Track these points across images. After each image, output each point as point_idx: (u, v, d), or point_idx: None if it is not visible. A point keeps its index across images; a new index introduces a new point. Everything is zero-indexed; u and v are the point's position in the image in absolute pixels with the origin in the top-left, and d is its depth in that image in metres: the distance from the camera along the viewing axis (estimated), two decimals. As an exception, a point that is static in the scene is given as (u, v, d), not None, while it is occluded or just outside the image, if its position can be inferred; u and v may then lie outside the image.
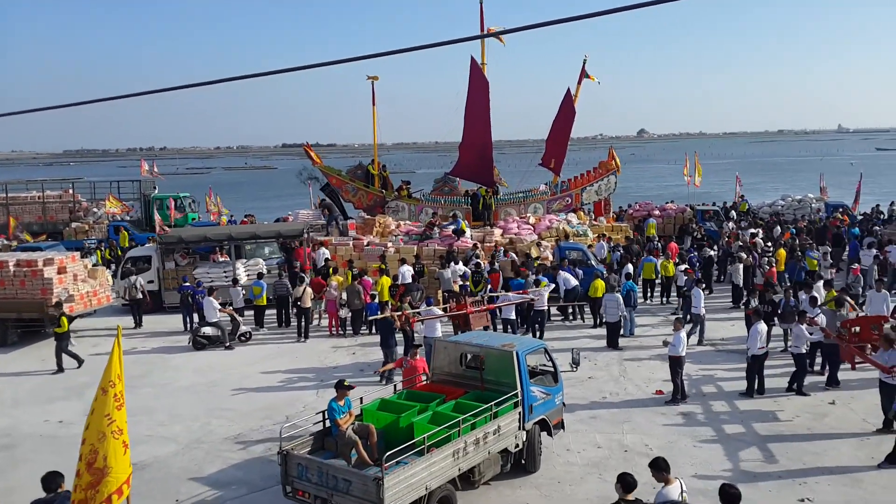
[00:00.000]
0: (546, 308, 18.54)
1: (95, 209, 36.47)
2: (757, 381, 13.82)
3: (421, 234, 25.05)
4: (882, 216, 31.54)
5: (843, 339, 13.65)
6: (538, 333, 17.93)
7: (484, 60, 28.48)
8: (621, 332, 17.79)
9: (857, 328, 13.74)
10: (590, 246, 24.28)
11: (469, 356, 11.32)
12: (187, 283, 20.54)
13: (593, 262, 22.02)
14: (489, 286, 19.96)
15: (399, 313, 15.94)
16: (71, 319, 20.05)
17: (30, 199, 37.07)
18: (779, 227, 29.05)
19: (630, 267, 21.09)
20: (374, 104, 30.05)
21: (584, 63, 30.66)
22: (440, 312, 16.50)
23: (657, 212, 32.17)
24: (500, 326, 18.07)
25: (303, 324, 19.20)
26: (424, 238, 24.49)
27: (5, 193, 37.02)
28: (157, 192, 38.05)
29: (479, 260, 21.94)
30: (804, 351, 13.87)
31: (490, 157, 29.18)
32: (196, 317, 19.67)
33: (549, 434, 11.13)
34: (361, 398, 10.70)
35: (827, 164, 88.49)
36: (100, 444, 7.23)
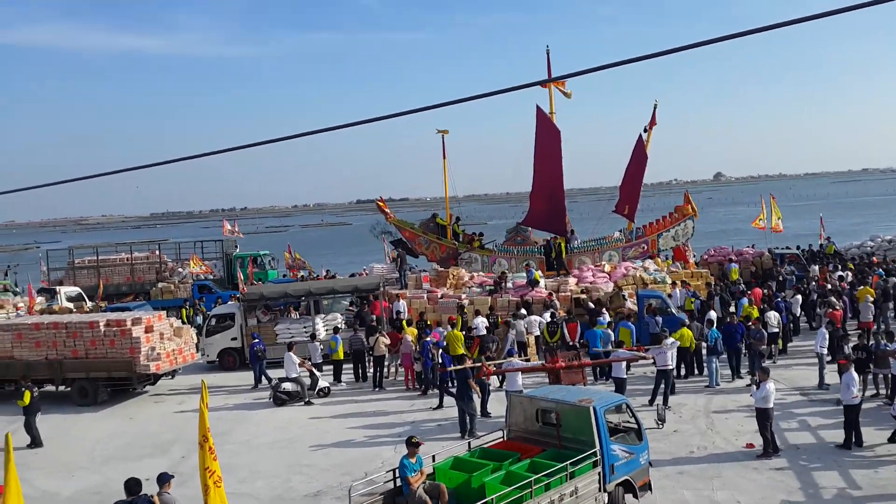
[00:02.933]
0: (670, 367, 16.51)
1: (181, 269, 37.89)
2: (854, 432, 13.02)
3: (492, 285, 25.00)
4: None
5: None
6: (664, 399, 16.08)
7: (552, 109, 28.67)
8: (708, 383, 17.14)
9: None
10: (669, 295, 23.66)
11: (545, 412, 10.89)
12: (256, 339, 21.14)
13: (674, 310, 21.41)
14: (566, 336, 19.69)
15: (479, 364, 15.81)
16: (157, 378, 20.75)
17: (119, 261, 38.84)
18: (882, 270, 27.34)
19: (713, 314, 20.42)
20: (444, 157, 30.63)
21: (655, 108, 30.56)
22: (522, 364, 16.24)
23: (733, 256, 31.26)
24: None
25: (378, 374, 19.40)
26: (496, 290, 24.41)
27: (96, 256, 38.97)
28: (238, 250, 39.38)
29: (555, 310, 21.69)
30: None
31: (562, 205, 29.09)
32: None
33: (635, 496, 10.53)
34: (434, 456, 10.51)
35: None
36: (206, 496, 8.01)
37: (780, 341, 20.13)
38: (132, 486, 8.80)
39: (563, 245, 28.18)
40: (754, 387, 13.26)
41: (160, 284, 35.93)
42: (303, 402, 18.50)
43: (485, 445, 11.03)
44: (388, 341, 19.86)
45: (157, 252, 40.27)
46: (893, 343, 15.48)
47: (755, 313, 20.53)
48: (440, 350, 18.10)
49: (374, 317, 22.99)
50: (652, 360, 16.45)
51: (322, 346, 21.02)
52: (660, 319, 20.19)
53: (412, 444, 9.68)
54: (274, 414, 17.97)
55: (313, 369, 19.32)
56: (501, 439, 11.21)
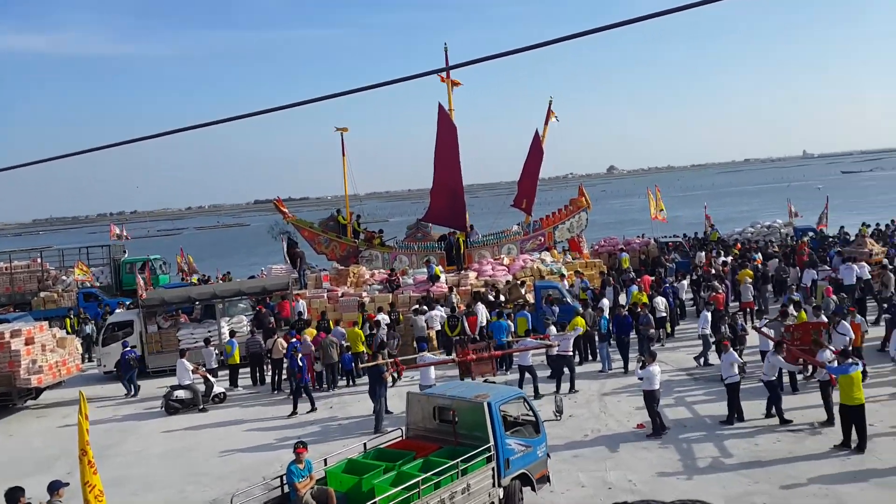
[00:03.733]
0: (571, 353, 17.20)
1: (64, 277, 35.91)
2: (735, 408, 13.77)
3: (384, 283, 24.97)
4: (847, 237, 31.93)
5: (787, 342, 14.37)
6: (570, 384, 16.74)
7: (451, 106, 28.85)
8: (601, 368, 17.74)
9: (799, 333, 15.00)
10: (572, 285, 24.32)
11: (442, 409, 10.74)
12: (127, 348, 20.49)
13: (569, 300, 22.00)
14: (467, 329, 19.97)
15: (392, 360, 15.79)
16: (39, 392, 19.64)
17: (-3, 271, 36.40)
18: (760, 254, 28.89)
19: (606, 301, 21.16)
20: (343, 155, 30.32)
21: (550, 104, 31.24)
22: (435, 358, 16.31)
23: (623, 246, 32.64)
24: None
25: (276, 377, 19.04)
26: (393, 288, 24.38)
27: (-27, 267, 36.36)
28: (126, 255, 37.68)
29: (454, 304, 21.90)
30: (773, 378, 13.79)
31: (462, 201, 29.35)
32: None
33: (533, 489, 10.60)
34: (326, 459, 10.28)
35: (794, 190, 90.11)
36: None
37: (667, 325, 21.06)
38: (14, 494, 8.37)
39: (461, 240, 28.43)
40: (639, 369, 13.79)
41: (42, 294, 33.93)
42: (197, 410, 17.91)
43: (382, 446, 10.92)
44: (285, 343, 19.48)
45: (40, 260, 38.00)
46: (761, 320, 16.52)
47: (644, 299, 21.41)
48: (300, 354, 17.56)
49: (272, 318, 22.50)
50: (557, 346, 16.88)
51: (217, 351, 20.41)
52: (556, 309, 20.74)
53: (300, 448, 9.49)
54: (167, 423, 17.29)
55: (207, 375, 18.72)
56: (400, 438, 11.13)
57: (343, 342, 19.38)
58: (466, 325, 20.38)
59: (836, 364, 12.44)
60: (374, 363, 15.85)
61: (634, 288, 22.79)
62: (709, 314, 18.47)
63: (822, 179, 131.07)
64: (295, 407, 17.08)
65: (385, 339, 19.27)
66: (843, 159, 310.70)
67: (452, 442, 10.40)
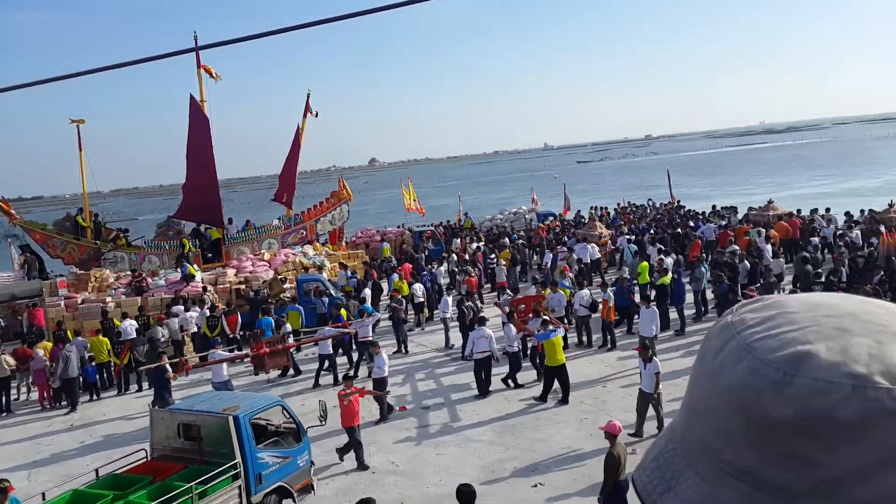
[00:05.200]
0: (371, 337, 17.11)
1: None
2: (484, 382, 14.72)
3: (129, 286, 23.27)
4: (582, 220, 35.40)
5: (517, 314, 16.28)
6: (355, 367, 16.77)
7: (203, 97, 27.48)
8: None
9: (523, 305, 17.37)
10: (347, 277, 24.39)
11: (187, 426, 10.03)
12: None
13: (332, 291, 22.04)
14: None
15: (179, 359, 15.17)
16: None
17: None
18: (506, 239, 30.97)
19: (368, 292, 21.53)
20: (80, 149, 27.60)
21: (308, 97, 30.85)
22: (227, 355, 15.70)
23: (378, 237, 33.52)
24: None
25: (3, 398, 16.99)
26: (139, 291, 22.73)
27: None
28: None
29: (214, 303, 20.97)
30: (517, 349, 15.05)
31: (217, 195, 28.15)
32: None
33: (294, 501, 10.23)
34: (44, 493, 9.13)
35: (536, 179, 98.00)
36: None
37: (426, 310, 21.91)
38: None
39: (214, 235, 27.30)
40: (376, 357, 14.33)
41: None
42: None
43: (119, 471, 9.93)
44: (12, 361, 17.34)
45: None
46: (502, 297, 18.09)
47: (405, 287, 22.10)
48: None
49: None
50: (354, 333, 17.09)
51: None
52: (326, 300, 20.73)
53: (2, 488, 8.53)
54: None
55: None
56: (144, 460, 10.22)
57: (85, 353, 17.73)
58: (226, 324, 19.64)
59: (541, 331, 14.06)
60: (157, 364, 15.04)
61: (395, 276, 23.43)
62: (449, 299, 19.39)
63: (561, 169, 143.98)
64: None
65: (155, 338, 17.91)
66: (577, 150, 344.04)
67: (198, 461, 9.75)
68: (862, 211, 26.34)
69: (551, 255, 25.15)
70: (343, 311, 18.98)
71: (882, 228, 22.85)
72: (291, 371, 17.50)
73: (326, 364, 16.70)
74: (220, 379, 14.86)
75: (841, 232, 23.04)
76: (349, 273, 25.02)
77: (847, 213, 26.35)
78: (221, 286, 23.30)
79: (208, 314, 20.05)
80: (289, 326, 18.07)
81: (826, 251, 20.70)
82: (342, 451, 11.90)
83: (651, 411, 11.83)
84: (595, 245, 25.52)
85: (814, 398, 0.67)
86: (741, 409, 0.71)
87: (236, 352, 17.31)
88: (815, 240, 22.63)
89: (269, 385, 16.90)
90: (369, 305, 19.54)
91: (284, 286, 22.96)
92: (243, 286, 23.35)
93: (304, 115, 30.80)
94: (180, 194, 29.06)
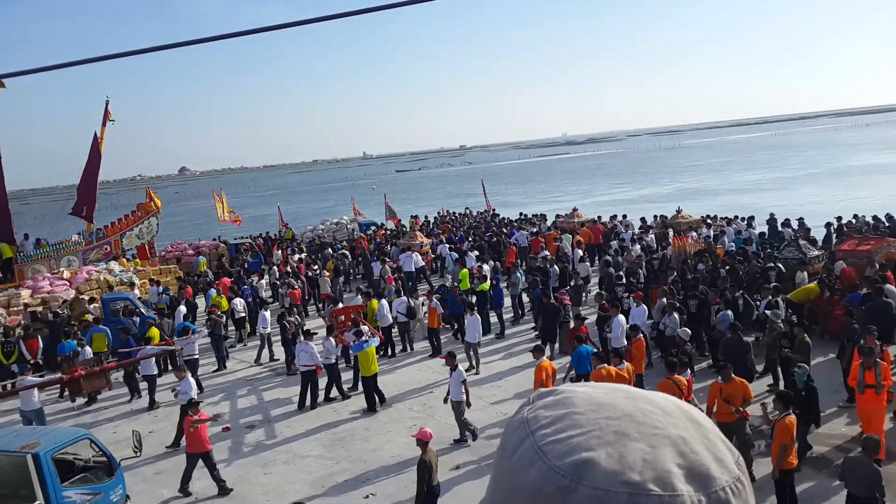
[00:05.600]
0: (196, 356, 16.62)
1: None
2: (312, 395, 14.56)
3: None
4: (404, 229, 35.94)
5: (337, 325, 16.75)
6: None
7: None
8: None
9: (342, 316, 17.57)
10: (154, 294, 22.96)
11: None
12: None
13: (143, 310, 20.68)
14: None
15: None
16: None
17: None
18: (330, 250, 30.60)
19: (183, 308, 20.50)
20: None
21: (107, 104, 28.89)
22: (37, 380, 14.18)
23: (191, 251, 32.12)
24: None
25: None
26: None
27: None
28: None
29: (6, 326, 18.98)
30: (333, 360, 14.99)
31: (6, 209, 25.50)
32: None
33: None
34: None
35: (357, 188, 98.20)
36: None
37: (247, 325, 21.20)
38: None
39: (6, 252, 24.73)
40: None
41: None
42: None
43: None
44: None
45: None
46: (327, 308, 18.24)
47: (224, 302, 21.25)
48: None
49: None
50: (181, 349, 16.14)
51: None
52: (137, 319, 19.42)
53: None
54: None
55: None
56: None
57: None
58: (24, 349, 17.87)
59: (356, 342, 14.38)
60: None
61: (213, 291, 22.48)
62: (267, 314, 18.87)
63: (381, 177, 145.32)
64: None
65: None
66: (396, 159, 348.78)
67: None
68: (655, 216, 28.96)
69: (379, 265, 25.12)
70: (155, 331, 17.92)
71: (671, 232, 25.38)
72: (106, 392, 16.22)
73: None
74: (32, 407, 13.51)
75: (637, 236, 25.22)
76: (160, 289, 23.69)
77: (642, 219, 28.92)
78: (15, 308, 21.14)
79: (2, 339, 18.15)
80: (89, 351, 16.64)
81: (625, 254, 22.52)
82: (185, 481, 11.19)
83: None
84: (418, 254, 26.01)
85: None
86: None
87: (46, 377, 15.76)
88: (615, 244, 24.62)
89: (77, 413, 15.59)
90: (190, 323, 18.62)
91: (90, 306, 21.26)
92: (40, 308, 21.33)
93: (104, 123, 28.88)
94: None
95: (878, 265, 16.38)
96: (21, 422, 13.46)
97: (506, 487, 0.83)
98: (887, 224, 22.54)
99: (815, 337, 13.94)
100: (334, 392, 14.95)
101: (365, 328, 15.41)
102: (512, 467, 0.83)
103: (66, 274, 24.72)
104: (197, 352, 16.79)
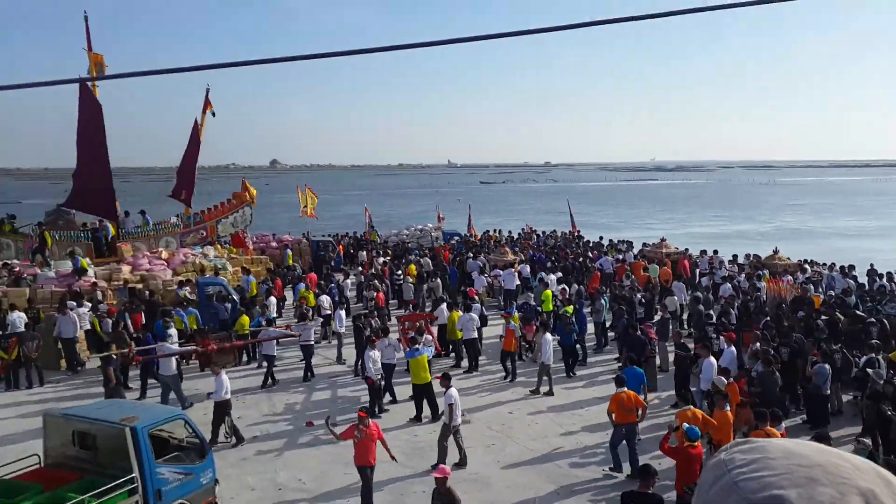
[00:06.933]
0: (312, 342, 17.43)
1: None
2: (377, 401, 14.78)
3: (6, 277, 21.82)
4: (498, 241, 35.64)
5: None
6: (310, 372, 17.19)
7: (94, 83, 26.01)
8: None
9: (408, 322, 17.85)
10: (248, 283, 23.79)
11: (83, 434, 9.53)
12: None
13: (235, 297, 21.39)
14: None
15: (126, 350, 15.05)
16: None
17: None
18: (411, 256, 30.93)
19: (273, 300, 21.09)
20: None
21: (207, 92, 29.71)
22: (175, 349, 15.44)
23: (274, 243, 32.89)
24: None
25: None
26: (17, 283, 21.29)
27: None
28: None
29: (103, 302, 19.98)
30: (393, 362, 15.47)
31: (111, 188, 26.69)
32: None
33: None
34: None
35: (441, 196, 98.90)
36: None
37: (332, 322, 21.62)
38: None
39: (114, 229, 25.94)
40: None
41: None
42: None
43: (8, 476, 9.22)
44: None
45: None
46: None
47: (311, 297, 21.74)
48: None
49: None
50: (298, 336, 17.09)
51: None
52: (229, 306, 20.15)
53: None
54: None
55: None
56: (37, 466, 9.57)
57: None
58: (129, 322, 18.80)
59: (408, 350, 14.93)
60: (105, 354, 14.99)
61: (302, 285, 23.04)
62: (342, 313, 19.47)
63: (466, 187, 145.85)
64: None
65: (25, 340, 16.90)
66: (480, 170, 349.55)
67: (94, 472, 9.23)
68: (747, 255, 27.99)
69: (482, 278, 25.13)
70: (245, 318, 18.52)
71: (766, 272, 24.40)
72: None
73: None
74: (169, 372, 14.85)
75: (730, 275, 24.37)
76: (250, 279, 24.37)
77: (734, 257, 27.98)
78: (115, 283, 22.21)
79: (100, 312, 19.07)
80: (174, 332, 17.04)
81: (716, 293, 21.86)
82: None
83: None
84: (513, 269, 25.81)
85: None
86: None
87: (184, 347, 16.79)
88: (705, 280, 23.90)
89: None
90: (273, 314, 19.20)
91: (185, 289, 22.14)
92: (140, 285, 22.33)
93: (204, 112, 29.59)
94: (69, 180, 27.38)
95: None
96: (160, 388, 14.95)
97: None
98: None
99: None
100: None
101: (429, 337, 15.82)
102: (708, 501, 0.92)
103: (165, 254, 25.80)
104: (313, 339, 17.55)
